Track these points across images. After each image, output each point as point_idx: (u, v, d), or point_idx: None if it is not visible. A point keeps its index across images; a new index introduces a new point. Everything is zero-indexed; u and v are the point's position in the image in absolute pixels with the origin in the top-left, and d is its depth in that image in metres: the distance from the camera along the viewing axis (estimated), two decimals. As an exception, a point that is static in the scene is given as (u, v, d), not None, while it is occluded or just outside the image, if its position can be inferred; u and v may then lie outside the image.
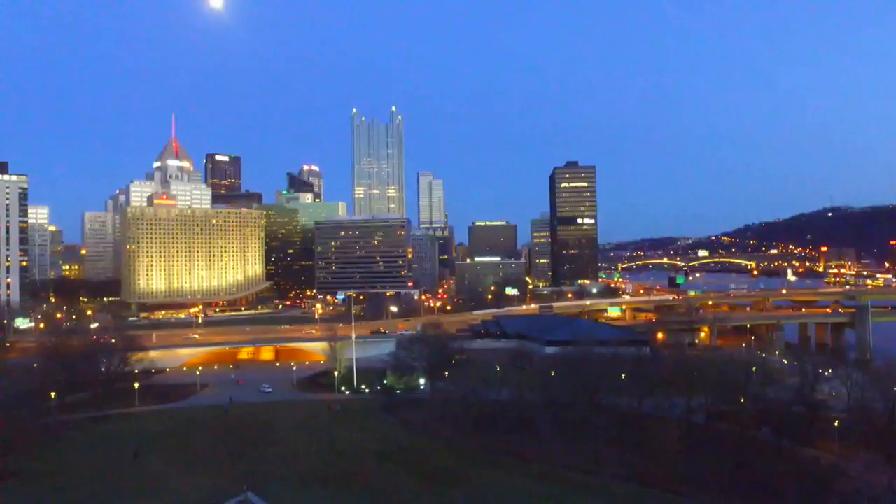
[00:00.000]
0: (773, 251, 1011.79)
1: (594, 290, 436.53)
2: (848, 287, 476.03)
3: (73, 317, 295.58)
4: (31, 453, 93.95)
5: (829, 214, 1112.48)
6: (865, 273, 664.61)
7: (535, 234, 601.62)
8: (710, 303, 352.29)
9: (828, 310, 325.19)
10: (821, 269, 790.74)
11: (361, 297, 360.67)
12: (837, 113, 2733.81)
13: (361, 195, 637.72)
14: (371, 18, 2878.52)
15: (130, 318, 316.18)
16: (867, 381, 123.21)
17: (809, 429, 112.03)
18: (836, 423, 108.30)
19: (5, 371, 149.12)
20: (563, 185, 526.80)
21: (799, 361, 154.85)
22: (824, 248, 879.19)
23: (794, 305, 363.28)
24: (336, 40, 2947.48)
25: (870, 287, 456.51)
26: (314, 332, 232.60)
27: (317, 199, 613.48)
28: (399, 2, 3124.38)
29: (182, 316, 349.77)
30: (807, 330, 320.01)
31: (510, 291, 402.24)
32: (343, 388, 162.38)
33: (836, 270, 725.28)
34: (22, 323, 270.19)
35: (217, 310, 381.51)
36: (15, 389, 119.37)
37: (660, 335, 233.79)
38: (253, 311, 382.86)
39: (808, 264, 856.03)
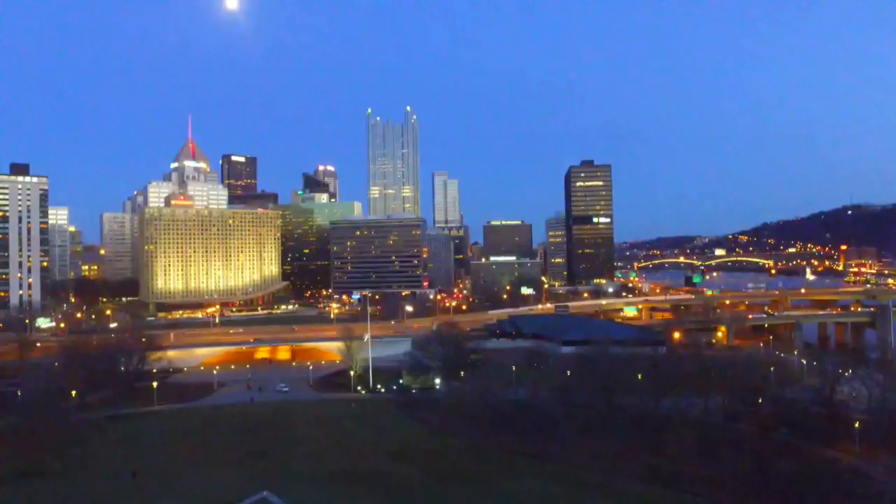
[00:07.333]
0: (792, 250, 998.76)
1: (610, 290, 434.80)
2: (868, 286, 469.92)
3: (93, 317, 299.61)
4: (54, 451, 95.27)
5: (849, 212, 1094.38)
6: (886, 272, 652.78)
7: (550, 234, 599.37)
8: (728, 302, 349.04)
9: (848, 309, 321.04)
10: (840, 268, 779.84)
11: (377, 297, 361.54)
12: (857, 109, 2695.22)
13: (377, 195, 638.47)
14: (386, 18, 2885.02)
15: (149, 318, 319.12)
16: (888, 381, 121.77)
17: (829, 430, 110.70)
18: (856, 425, 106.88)
19: (27, 370, 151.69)
20: (578, 183, 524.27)
21: (818, 362, 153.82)
22: (844, 247, 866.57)
23: (812, 305, 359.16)
24: (351, 40, 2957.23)
25: (891, 286, 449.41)
26: (330, 331, 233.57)
27: (332, 199, 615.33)
28: (414, 2, 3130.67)
29: (199, 315, 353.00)
30: (826, 330, 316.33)
31: (526, 291, 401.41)
32: (359, 388, 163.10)
33: (856, 269, 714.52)
34: (43, 322, 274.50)
35: (234, 309, 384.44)
36: (37, 388, 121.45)
37: (676, 335, 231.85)
38: (269, 311, 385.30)
39: (827, 263, 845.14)
